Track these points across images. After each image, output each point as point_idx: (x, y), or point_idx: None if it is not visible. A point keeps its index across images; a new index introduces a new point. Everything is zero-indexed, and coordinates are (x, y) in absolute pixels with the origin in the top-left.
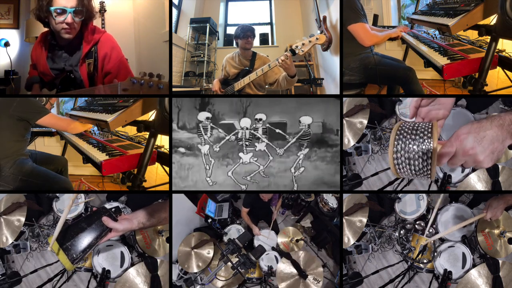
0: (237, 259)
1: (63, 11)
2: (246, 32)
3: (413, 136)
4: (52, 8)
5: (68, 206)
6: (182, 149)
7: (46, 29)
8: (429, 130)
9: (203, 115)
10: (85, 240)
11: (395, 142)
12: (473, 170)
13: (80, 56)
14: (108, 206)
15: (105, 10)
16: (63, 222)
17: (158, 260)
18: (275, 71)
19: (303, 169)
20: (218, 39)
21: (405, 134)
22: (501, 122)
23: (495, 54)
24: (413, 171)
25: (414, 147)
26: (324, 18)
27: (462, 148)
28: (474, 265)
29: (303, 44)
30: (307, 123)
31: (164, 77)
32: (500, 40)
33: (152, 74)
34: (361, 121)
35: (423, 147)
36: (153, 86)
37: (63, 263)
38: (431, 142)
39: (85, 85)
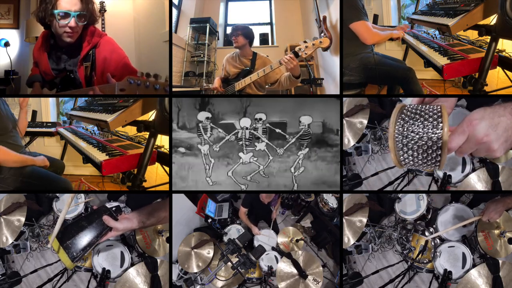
0: (237, 259)
1: (67, 15)
2: (233, 30)
3: (419, 121)
4: (56, 11)
5: (67, 204)
6: (182, 149)
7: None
8: (438, 114)
9: (202, 115)
10: (85, 238)
11: (397, 125)
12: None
13: (79, 58)
14: (108, 205)
15: (105, 10)
16: (62, 219)
17: (158, 260)
18: (276, 71)
19: (303, 169)
20: (218, 39)
21: (409, 119)
22: None
23: (495, 54)
24: (419, 161)
25: (421, 133)
26: (324, 18)
27: (475, 135)
28: (474, 265)
29: (306, 46)
30: (307, 123)
31: (161, 77)
32: (500, 40)
33: (149, 74)
34: (361, 121)
35: (432, 134)
36: (149, 87)
37: (63, 261)
38: (441, 128)
39: (83, 87)
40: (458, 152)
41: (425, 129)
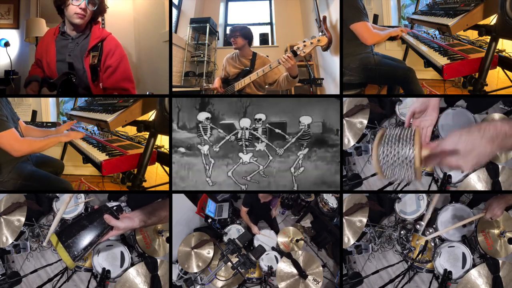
0: (237, 259)
1: None
2: (232, 32)
3: (396, 143)
4: None
5: (65, 203)
6: (182, 149)
7: (47, 28)
8: (412, 137)
9: (202, 115)
10: (86, 237)
11: (380, 147)
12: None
13: (86, 48)
14: (109, 204)
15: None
16: (59, 218)
17: (158, 260)
18: (275, 72)
19: (303, 169)
20: (218, 39)
21: (388, 141)
22: (494, 135)
23: (495, 54)
24: (397, 174)
25: (398, 150)
26: (324, 18)
27: (446, 162)
28: (474, 265)
29: (304, 45)
30: (306, 123)
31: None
32: (500, 40)
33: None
34: (361, 121)
35: (406, 152)
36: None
37: (64, 260)
38: (413, 148)
39: (87, 75)
40: (431, 165)
41: (401, 150)
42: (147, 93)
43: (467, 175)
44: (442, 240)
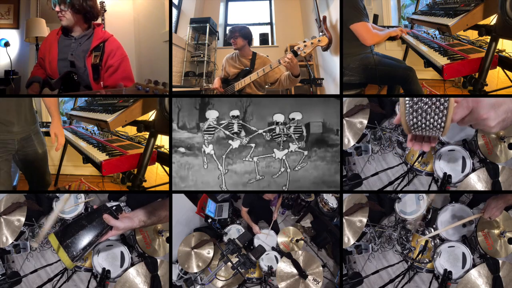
0: (237, 259)
1: (54, 4)
2: (231, 33)
3: (428, 103)
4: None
5: (64, 199)
6: (182, 149)
7: (47, 28)
8: (445, 105)
9: (212, 114)
10: (85, 238)
11: (408, 100)
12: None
13: (88, 48)
14: (108, 204)
15: (105, 10)
16: (57, 214)
17: (158, 260)
18: (276, 71)
19: (304, 164)
20: (218, 39)
21: (418, 101)
22: None
23: (495, 54)
24: (426, 121)
25: (429, 103)
26: (324, 18)
27: (478, 111)
28: (474, 265)
29: (305, 45)
30: (297, 118)
31: (159, 83)
32: (500, 40)
33: (157, 82)
34: (361, 121)
35: (438, 103)
36: (149, 92)
37: (63, 261)
38: (447, 100)
39: (88, 73)
40: (459, 122)
41: (433, 102)
42: (145, 80)
43: (467, 175)
44: (442, 240)
